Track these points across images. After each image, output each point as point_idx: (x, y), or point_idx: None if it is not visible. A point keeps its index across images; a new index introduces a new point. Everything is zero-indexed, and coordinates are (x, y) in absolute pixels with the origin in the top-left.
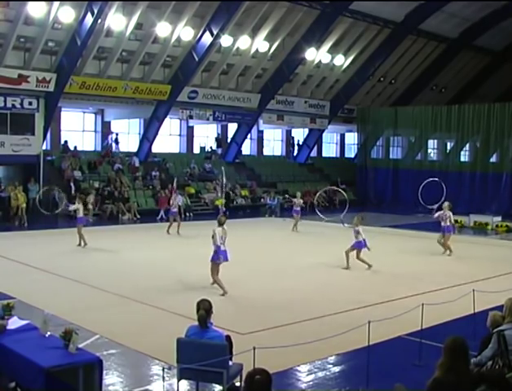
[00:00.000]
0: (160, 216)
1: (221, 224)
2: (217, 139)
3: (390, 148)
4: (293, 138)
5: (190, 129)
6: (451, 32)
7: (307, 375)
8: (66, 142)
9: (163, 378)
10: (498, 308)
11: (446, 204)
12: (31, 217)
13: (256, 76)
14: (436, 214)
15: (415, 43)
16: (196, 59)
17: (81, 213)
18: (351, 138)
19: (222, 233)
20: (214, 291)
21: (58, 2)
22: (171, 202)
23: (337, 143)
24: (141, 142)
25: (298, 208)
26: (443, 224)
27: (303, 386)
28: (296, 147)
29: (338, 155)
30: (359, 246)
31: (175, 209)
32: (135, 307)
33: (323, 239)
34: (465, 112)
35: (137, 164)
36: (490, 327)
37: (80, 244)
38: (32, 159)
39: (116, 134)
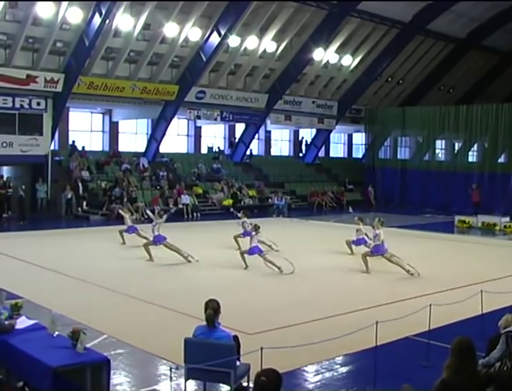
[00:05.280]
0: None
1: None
2: (230, 142)
3: (398, 148)
4: (303, 138)
5: (198, 130)
6: (459, 33)
7: (315, 375)
8: (74, 142)
9: (170, 378)
10: (507, 309)
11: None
12: (39, 217)
13: (264, 76)
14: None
15: (423, 43)
16: (204, 59)
17: (129, 222)
18: (359, 139)
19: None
20: (221, 291)
21: (66, 3)
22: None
23: (344, 143)
24: (149, 142)
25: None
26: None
27: (311, 386)
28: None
29: (346, 156)
30: (377, 251)
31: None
32: (143, 307)
33: (330, 239)
34: (473, 112)
35: (146, 165)
36: (501, 326)
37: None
38: (40, 159)
39: (234, 139)
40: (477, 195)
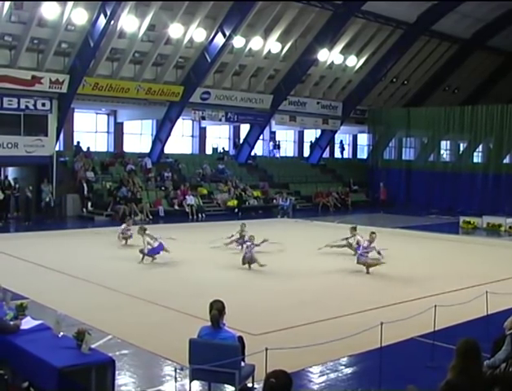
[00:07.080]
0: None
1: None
2: (235, 143)
3: (403, 149)
4: (316, 139)
5: (202, 130)
6: (464, 33)
7: (320, 376)
8: (79, 143)
9: (175, 378)
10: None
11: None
12: (44, 218)
13: (268, 77)
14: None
15: (428, 44)
16: (209, 60)
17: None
18: (364, 139)
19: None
20: (225, 292)
21: (71, 4)
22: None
23: (349, 144)
24: (153, 143)
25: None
26: None
27: (315, 387)
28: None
29: (351, 156)
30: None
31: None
32: (148, 308)
33: (335, 240)
34: (478, 112)
35: (149, 166)
36: (506, 328)
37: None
38: (45, 160)
39: (279, 141)
40: (384, 194)
